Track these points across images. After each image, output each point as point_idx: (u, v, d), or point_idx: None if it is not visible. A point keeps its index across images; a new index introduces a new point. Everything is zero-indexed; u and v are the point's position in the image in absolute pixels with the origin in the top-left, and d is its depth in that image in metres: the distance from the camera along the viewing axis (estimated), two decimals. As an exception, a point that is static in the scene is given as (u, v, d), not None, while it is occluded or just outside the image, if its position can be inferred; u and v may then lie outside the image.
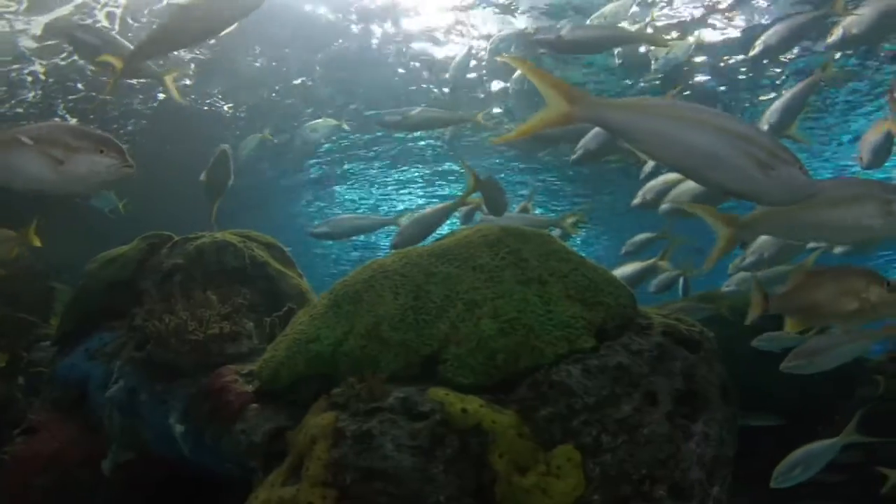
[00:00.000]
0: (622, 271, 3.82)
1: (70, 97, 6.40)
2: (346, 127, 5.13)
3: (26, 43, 5.34)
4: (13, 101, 6.23)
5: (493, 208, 2.99)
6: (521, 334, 2.27)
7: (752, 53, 3.68)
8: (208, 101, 6.77)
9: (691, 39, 4.50)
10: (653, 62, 4.40)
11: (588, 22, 4.25)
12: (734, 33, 5.56)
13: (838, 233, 2.21)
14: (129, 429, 2.44)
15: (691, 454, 2.24)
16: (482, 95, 6.44)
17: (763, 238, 3.37)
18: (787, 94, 3.84)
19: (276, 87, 6.25)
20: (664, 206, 3.51)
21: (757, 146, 1.76)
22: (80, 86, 6.15)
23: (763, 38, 3.66)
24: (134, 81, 6.11)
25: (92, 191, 1.96)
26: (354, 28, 5.47)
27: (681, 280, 4.45)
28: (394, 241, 3.15)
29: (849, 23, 3.09)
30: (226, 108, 6.68)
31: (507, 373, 2.28)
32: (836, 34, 3.10)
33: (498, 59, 1.81)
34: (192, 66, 5.76)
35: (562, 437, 2.20)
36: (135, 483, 2.53)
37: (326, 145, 8.37)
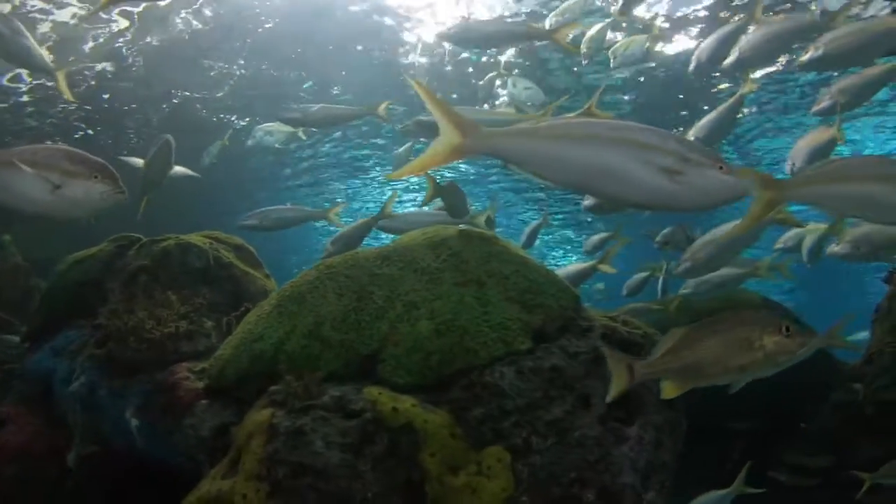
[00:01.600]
0: (565, 271, 3.82)
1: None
2: (302, 136, 5.18)
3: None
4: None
5: (454, 213, 3.04)
6: (456, 336, 2.31)
7: (691, 69, 3.67)
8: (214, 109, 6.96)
9: (643, 37, 4.45)
10: (612, 60, 4.38)
11: (551, 17, 4.29)
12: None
13: (885, 210, 2.05)
14: (90, 423, 2.57)
15: (623, 458, 2.25)
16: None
17: (697, 244, 3.31)
18: (713, 113, 3.88)
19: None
20: None
21: (659, 153, 1.71)
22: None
23: (696, 52, 3.68)
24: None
25: (85, 216, 2.00)
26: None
27: (660, 281, 4.42)
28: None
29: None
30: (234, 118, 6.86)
31: (442, 373, 2.32)
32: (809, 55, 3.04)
33: (409, 80, 1.76)
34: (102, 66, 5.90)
35: (493, 437, 2.24)
36: (98, 475, 2.65)
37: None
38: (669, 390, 1.85)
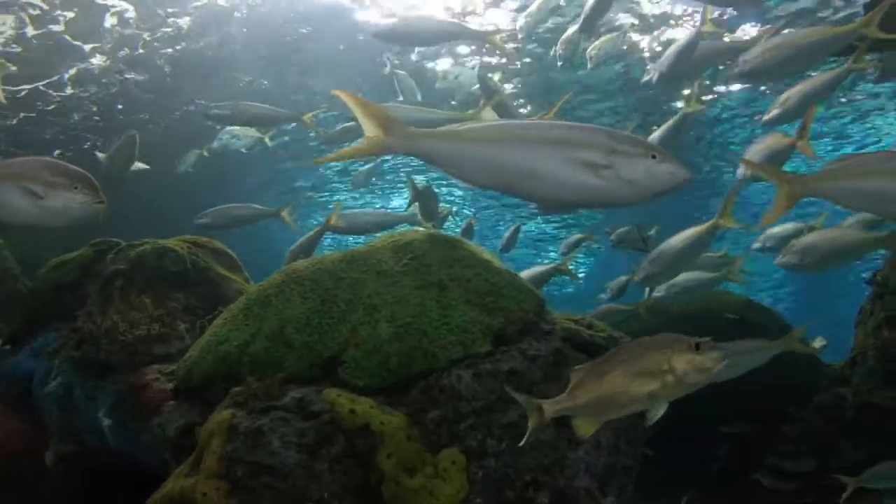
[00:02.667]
0: (527, 274, 3.85)
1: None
2: (268, 142, 5.28)
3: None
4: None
5: (424, 215, 3.10)
6: (415, 338, 2.35)
7: (647, 79, 3.69)
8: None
9: (616, 34, 4.47)
10: (589, 62, 4.39)
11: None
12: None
13: None
14: (66, 422, 2.65)
15: (579, 462, 2.27)
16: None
17: (655, 253, 3.33)
18: (662, 128, 3.92)
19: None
20: None
21: (584, 148, 1.66)
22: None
23: (656, 65, 3.70)
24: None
25: (66, 226, 2.06)
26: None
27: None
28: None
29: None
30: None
31: (401, 376, 2.36)
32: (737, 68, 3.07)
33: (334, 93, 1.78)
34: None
35: (449, 440, 2.28)
36: (75, 473, 2.73)
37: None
38: (583, 427, 1.75)
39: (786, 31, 4.40)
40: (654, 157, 1.69)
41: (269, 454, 2.14)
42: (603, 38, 4.38)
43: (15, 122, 7.05)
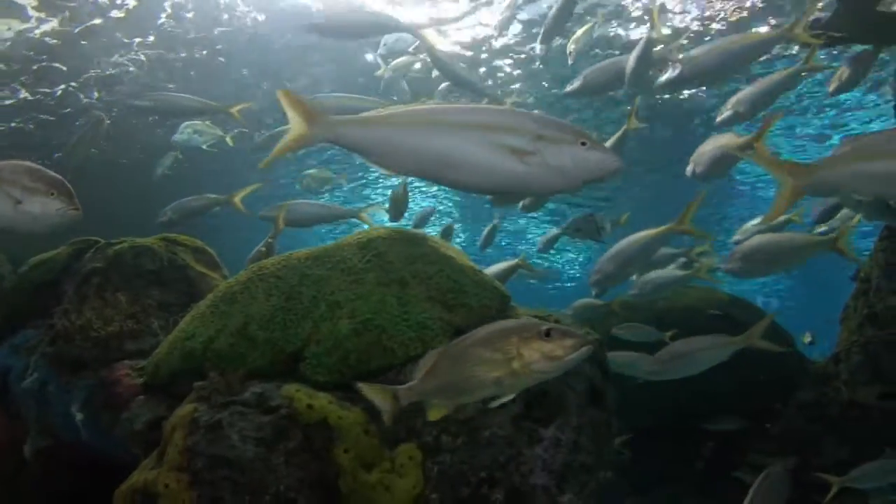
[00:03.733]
0: (492, 270, 3.86)
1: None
2: (229, 142, 5.26)
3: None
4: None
5: (393, 213, 3.13)
6: (374, 335, 2.38)
7: (570, 89, 3.72)
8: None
9: (588, 25, 4.48)
10: (569, 57, 4.40)
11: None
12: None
13: None
14: (42, 417, 2.72)
15: (536, 459, 2.28)
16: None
17: (605, 257, 3.36)
18: (611, 139, 3.93)
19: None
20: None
21: (509, 133, 1.61)
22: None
23: (585, 72, 3.74)
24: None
25: (41, 232, 2.10)
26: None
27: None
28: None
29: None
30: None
31: (360, 371, 2.40)
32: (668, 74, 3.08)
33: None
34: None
35: (406, 435, 2.31)
36: (53, 467, 2.81)
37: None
38: (435, 412, 1.75)
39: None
40: (583, 143, 1.63)
41: (228, 447, 2.19)
42: (579, 32, 4.38)
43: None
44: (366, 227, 3.46)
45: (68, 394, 2.65)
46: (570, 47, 4.36)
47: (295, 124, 1.73)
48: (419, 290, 2.47)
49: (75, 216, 2.12)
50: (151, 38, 5.77)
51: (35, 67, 5.79)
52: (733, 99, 3.39)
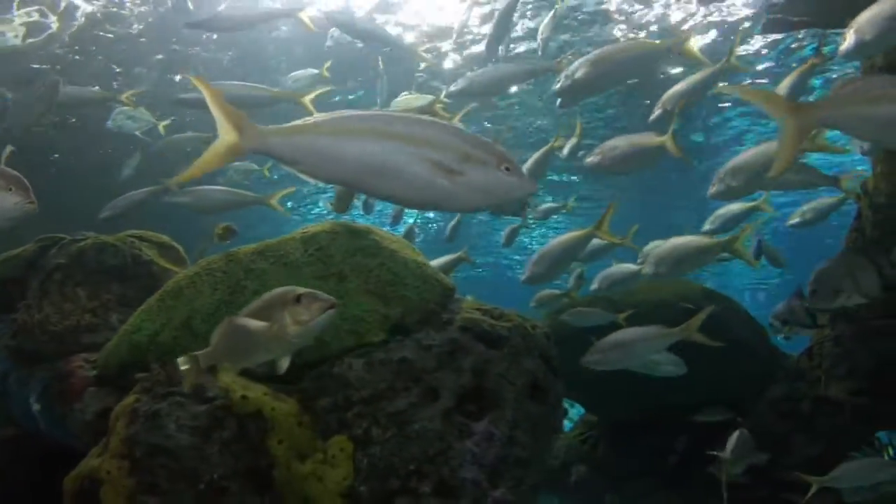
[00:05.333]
0: (437, 263, 3.89)
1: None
2: (161, 130, 5.13)
3: None
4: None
5: (337, 206, 3.17)
6: (310, 328, 2.43)
7: (452, 89, 3.75)
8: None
9: (549, 19, 4.48)
10: (539, 50, 4.41)
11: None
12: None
13: None
14: (4, 408, 2.84)
15: (465, 453, 2.29)
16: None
17: (535, 257, 3.44)
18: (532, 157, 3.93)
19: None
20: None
21: (438, 149, 1.62)
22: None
23: (469, 76, 3.76)
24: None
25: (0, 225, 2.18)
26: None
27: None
28: None
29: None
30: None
31: (296, 364, 2.42)
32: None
33: (191, 78, 1.73)
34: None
35: (338, 427, 2.35)
36: (17, 456, 2.92)
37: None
38: (223, 374, 1.97)
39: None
40: (506, 168, 1.67)
41: (165, 436, 2.25)
42: (542, 25, 4.37)
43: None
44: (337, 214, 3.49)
45: (27, 385, 2.75)
46: (540, 37, 4.36)
47: (224, 133, 1.64)
48: (357, 283, 2.51)
49: (31, 210, 2.19)
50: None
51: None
52: (663, 97, 3.47)
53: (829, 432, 3.69)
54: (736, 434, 3.12)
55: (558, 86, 3.08)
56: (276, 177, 5.78)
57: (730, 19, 5.36)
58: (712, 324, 3.69)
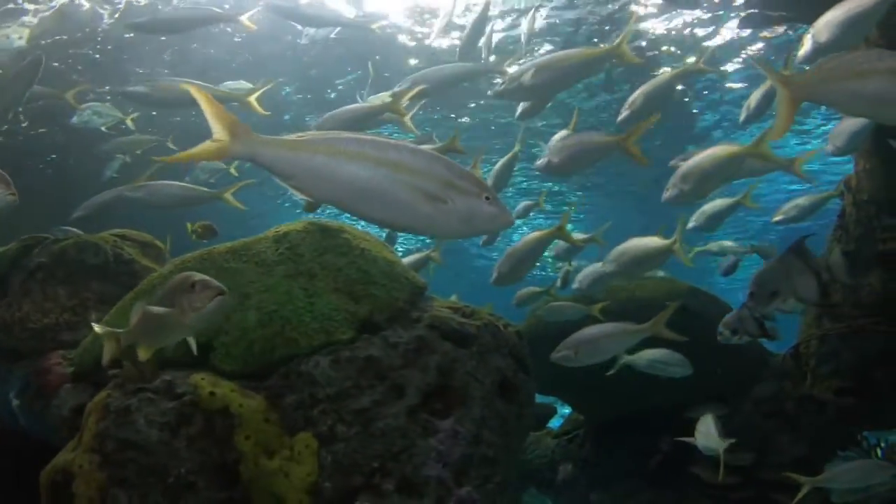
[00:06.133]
0: (407, 261, 3.91)
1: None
2: (130, 124, 5.11)
3: None
4: None
5: (307, 205, 3.22)
6: (278, 326, 2.45)
7: (395, 89, 3.77)
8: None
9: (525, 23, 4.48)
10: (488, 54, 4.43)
11: None
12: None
13: None
14: (-14, 403, 2.90)
15: (430, 450, 2.31)
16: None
17: (503, 260, 3.48)
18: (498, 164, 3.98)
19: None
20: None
21: (425, 178, 1.70)
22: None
23: (413, 76, 3.79)
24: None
25: None
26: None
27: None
28: None
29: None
30: None
31: (264, 361, 2.47)
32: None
33: (185, 86, 1.78)
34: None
35: (304, 424, 2.37)
36: (1, 450, 2.98)
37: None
38: (142, 352, 2.11)
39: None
40: (486, 198, 1.74)
41: (134, 431, 2.29)
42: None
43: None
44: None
45: (7, 382, 2.81)
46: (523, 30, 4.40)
47: (218, 135, 1.70)
48: (326, 281, 2.53)
49: (11, 202, 2.26)
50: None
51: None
52: (630, 99, 3.54)
53: (813, 432, 3.66)
54: (706, 419, 3.14)
55: (501, 87, 3.12)
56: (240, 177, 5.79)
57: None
58: (698, 322, 3.68)
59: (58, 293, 2.94)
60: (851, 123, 3.17)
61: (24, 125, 7.38)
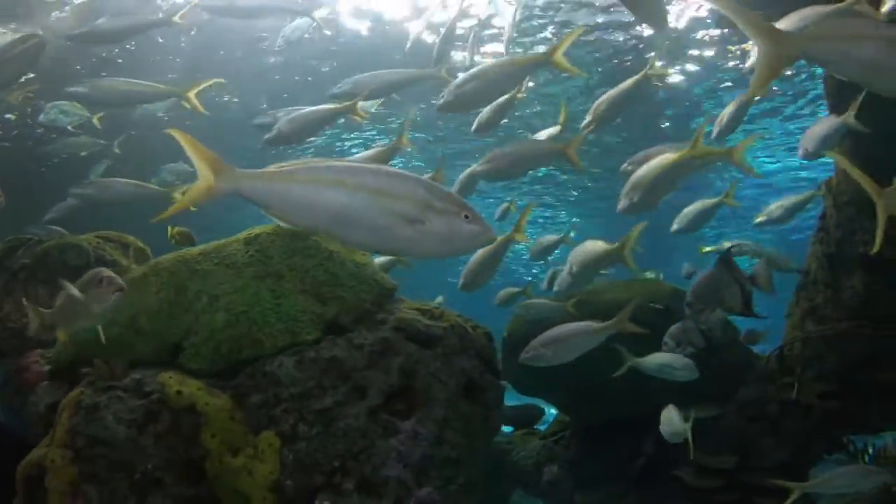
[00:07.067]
0: (377, 262, 3.96)
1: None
2: (96, 123, 4.98)
3: None
4: None
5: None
6: (245, 326, 2.49)
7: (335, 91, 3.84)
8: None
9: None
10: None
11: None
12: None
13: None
14: (-31, 400, 2.99)
15: (390, 451, 2.34)
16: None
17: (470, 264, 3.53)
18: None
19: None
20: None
21: (403, 201, 1.73)
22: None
23: (355, 78, 3.83)
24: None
25: None
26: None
27: None
28: None
29: None
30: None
31: (231, 361, 2.51)
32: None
33: (171, 132, 1.85)
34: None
35: (267, 423, 2.41)
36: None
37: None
38: (61, 334, 2.39)
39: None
40: (466, 217, 1.76)
41: (103, 428, 2.35)
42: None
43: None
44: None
45: (-12, 379, 2.89)
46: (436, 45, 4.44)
47: (203, 175, 1.75)
48: (294, 283, 2.57)
49: None
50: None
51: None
52: (594, 105, 3.57)
53: (797, 436, 3.63)
54: (669, 409, 3.15)
55: (442, 101, 3.17)
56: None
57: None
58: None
59: (39, 293, 3.01)
60: (823, 126, 3.16)
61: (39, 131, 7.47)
